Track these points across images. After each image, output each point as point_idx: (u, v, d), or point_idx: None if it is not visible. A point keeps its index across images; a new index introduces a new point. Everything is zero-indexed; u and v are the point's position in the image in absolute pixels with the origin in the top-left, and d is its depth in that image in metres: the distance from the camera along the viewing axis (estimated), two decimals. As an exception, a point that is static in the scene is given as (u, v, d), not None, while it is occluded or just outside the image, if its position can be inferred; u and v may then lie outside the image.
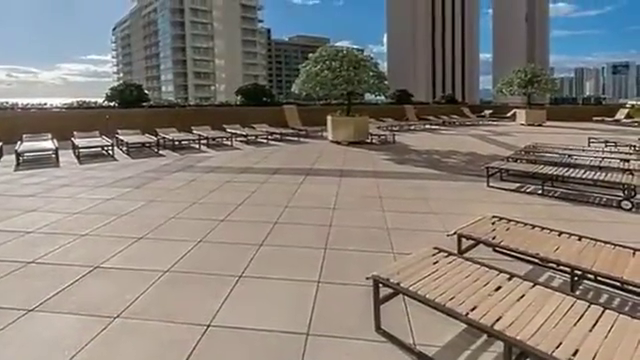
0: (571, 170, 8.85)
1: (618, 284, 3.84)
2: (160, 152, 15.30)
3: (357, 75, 17.19)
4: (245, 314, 3.82)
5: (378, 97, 25.62)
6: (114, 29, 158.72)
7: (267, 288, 4.35)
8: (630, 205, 7.25)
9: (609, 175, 8.24)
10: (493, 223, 5.10)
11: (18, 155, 12.92)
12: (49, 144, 14.36)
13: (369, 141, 18.23)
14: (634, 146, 13.60)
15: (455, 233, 4.88)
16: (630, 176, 8.12)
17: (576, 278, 4.09)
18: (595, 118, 29.37)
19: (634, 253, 4.04)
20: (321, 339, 3.45)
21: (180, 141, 16.68)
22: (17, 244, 5.75)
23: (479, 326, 2.84)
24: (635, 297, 3.92)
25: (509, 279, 3.42)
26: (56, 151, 13.42)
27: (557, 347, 2.54)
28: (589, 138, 16.05)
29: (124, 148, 15.76)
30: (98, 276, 4.66)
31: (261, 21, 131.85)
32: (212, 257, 5.22)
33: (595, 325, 2.76)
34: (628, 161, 9.91)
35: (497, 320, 2.83)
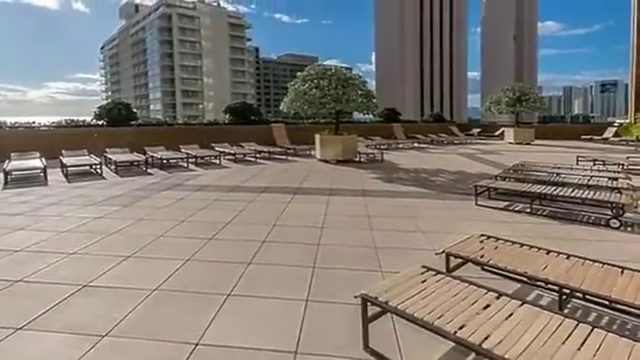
0: (559, 188, 8.93)
1: (606, 303, 3.83)
2: (148, 171, 15.31)
3: (345, 94, 17.26)
4: (233, 332, 3.83)
5: (366, 116, 25.76)
6: (102, 48, 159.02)
7: (255, 307, 4.36)
8: (618, 223, 7.28)
9: (597, 193, 8.28)
10: (481, 242, 5.13)
11: (6, 174, 12.89)
12: (37, 163, 14.32)
13: (357, 160, 18.33)
14: (622, 164, 13.75)
15: (443, 252, 4.90)
16: (618, 194, 8.17)
17: (564, 297, 4.10)
18: (583, 137, 29.73)
19: (622, 271, 4.07)
20: (309, 358, 3.45)
21: (168, 159, 16.70)
22: (5, 263, 5.72)
23: (467, 344, 2.86)
24: (623, 316, 3.94)
25: (497, 297, 3.43)
26: (44, 170, 13.39)
27: (545, 365, 2.57)
28: (577, 156, 16.16)
29: (112, 167, 15.72)
30: (86, 294, 4.65)
31: (249, 39, 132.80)
32: (200, 275, 5.22)
33: (583, 344, 2.77)
34: (616, 179, 10.00)
35: (485, 339, 2.84)
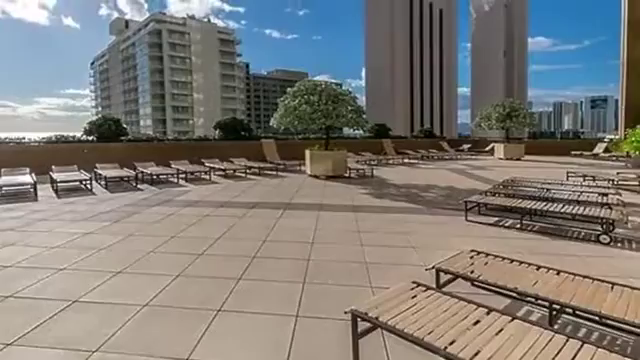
0: (549, 204, 8.93)
1: (596, 318, 3.86)
2: (138, 186, 15.26)
3: (335, 109, 17.28)
4: (223, 348, 3.85)
5: (356, 131, 25.80)
6: (92, 63, 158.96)
7: (245, 322, 4.38)
8: (608, 239, 7.29)
9: (587, 209, 8.30)
10: (471, 257, 5.15)
11: (-5, 189, 12.83)
12: (27, 178, 14.26)
13: (347, 175, 18.35)
14: (612, 180, 13.86)
15: (433, 267, 4.91)
16: (608, 210, 8.22)
17: (554, 312, 4.09)
18: (573, 152, 29.81)
19: (612, 287, 4.09)
20: (299, 371, 3.48)
21: (158, 175, 16.67)
22: (-6, 279, 5.70)
23: (458, 360, 2.87)
24: (613, 331, 3.95)
25: (487, 313, 3.44)
26: (34, 185, 13.35)
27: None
28: (567, 172, 16.19)
29: (102, 182, 15.68)
30: (77, 310, 4.65)
31: (240, 55, 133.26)
32: (190, 291, 5.23)
33: (573, 359, 2.79)
34: (606, 195, 10.02)
35: (475, 354, 2.84)
